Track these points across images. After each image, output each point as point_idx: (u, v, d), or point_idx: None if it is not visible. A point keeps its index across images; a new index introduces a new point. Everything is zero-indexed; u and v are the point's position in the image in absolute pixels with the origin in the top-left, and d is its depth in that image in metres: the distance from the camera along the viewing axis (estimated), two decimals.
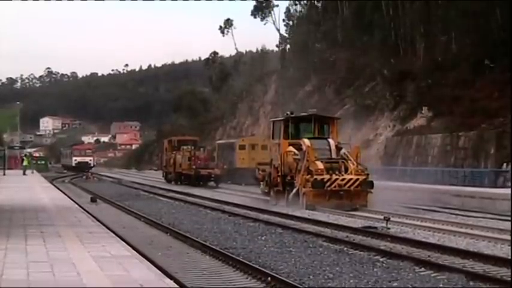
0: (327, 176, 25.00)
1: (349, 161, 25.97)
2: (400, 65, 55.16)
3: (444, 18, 51.81)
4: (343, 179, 25.03)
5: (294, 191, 26.12)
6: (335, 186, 24.95)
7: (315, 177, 24.98)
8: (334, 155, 26.52)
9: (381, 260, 13.05)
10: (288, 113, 29.64)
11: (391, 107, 53.57)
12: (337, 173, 25.33)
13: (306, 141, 26.52)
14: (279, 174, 28.25)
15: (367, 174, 25.75)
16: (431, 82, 48.93)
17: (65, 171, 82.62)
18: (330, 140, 27.29)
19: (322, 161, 25.64)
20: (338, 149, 26.95)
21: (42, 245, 11.55)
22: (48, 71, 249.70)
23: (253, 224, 20.17)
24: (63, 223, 15.63)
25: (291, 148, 27.41)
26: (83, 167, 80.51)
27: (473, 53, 46.47)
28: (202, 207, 26.84)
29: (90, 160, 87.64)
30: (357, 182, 25.01)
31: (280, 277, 10.94)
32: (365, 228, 18.01)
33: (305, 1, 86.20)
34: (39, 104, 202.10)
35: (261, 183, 30.70)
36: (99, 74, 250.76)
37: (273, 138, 30.17)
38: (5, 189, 32.14)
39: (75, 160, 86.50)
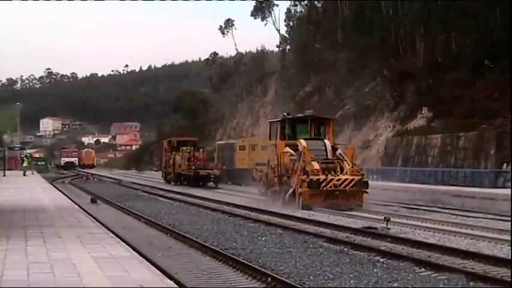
0: (322, 176, 25.12)
1: (344, 162, 26.09)
2: (400, 65, 55.16)
3: (444, 18, 51.80)
4: (338, 179, 25.16)
5: (290, 191, 26.22)
6: (331, 187, 25.09)
7: (311, 177, 25.11)
8: (330, 156, 26.70)
9: (381, 260, 13.05)
10: (285, 114, 29.85)
11: (391, 108, 53.58)
12: (332, 173, 25.48)
13: (302, 142, 26.66)
14: (276, 174, 28.35)
15: (363, 175, 26.04)
16: (431, 82, 48.93)
17: (65, 172, 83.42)
18: (326, 141, 27.50)
19: (318, 162, 25.78)
20: (334, 149, 27.14)
21: (43, 245, 11.55)
22: (48, 72, 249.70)
23: (253, 224, 20.18)
24: (63, 224, 15.63)
25: (287, 149, 27.58)
26: (69, 166, 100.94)
27: (473, 53, 46.46)
28: (202, 207, 26.83)
29: (76, 160, 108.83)
30: (353, 182, 25.16)
31: (280, 278, 10.94)
32: (365, 229, 18.02)
33: (305, 1, 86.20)
34: (39, 104, 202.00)
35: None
36: (99, 75, 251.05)
37: (270, 139, 30.32)
38: (5, 190, 32.15)
39: (63, 160, 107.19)
